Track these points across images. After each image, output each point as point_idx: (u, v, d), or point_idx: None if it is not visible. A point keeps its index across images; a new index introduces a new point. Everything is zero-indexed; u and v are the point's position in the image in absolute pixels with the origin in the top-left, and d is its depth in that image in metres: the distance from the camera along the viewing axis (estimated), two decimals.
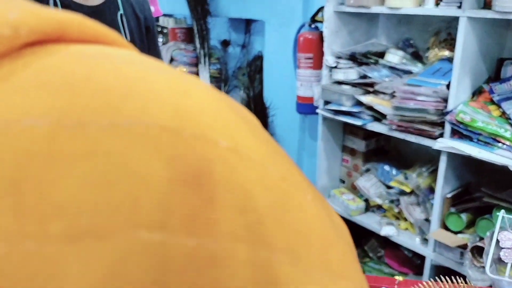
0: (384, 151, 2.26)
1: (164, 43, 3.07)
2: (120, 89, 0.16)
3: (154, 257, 0.14)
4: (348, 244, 0.22)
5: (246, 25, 3.02)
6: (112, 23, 1.33)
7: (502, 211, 1.45)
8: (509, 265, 1.33)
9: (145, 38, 1.44)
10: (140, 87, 0.16)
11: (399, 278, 1.37)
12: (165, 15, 3.00)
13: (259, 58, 2.95)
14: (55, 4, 1.23)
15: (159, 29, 3.12)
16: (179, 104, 0.17)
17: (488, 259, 1.36)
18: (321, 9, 2.22)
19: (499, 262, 1.38)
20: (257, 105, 2.88)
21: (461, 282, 1.40)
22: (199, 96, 0.18)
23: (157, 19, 3.08)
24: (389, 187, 2.06)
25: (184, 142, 0.16)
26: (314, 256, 0.18)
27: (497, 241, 1.38)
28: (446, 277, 1.41)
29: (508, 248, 1.36)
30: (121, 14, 1.35)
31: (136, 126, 0.15)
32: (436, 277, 1.37)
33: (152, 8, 2.25)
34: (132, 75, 0.17)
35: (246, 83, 2.99)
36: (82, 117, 0.15)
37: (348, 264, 0.20)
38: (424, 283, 1.37)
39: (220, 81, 3.04)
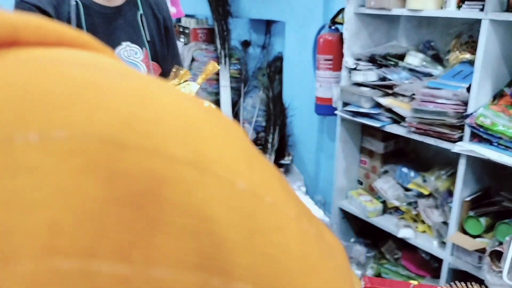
0: (403, 153, 2.25)
1: (185, 44, 3.11)
2: (62, 97, 0.14)
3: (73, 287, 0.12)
4: (340, 267, 0.20)
5: (267, 26, 3.04)
6: (132, 23, 1.36)
7: None
8: None
9: (164, 38, 1.47)
10: (88, 94, 0.15)
11: (414, 282, 1.37)
12: (187, 15, 3.04)
13: (279, 59, 2.96)
14: (77, 6, 1.26)
15: (181, 30, 3.16)
16: (132, 113, 0.15)
17: (506, 264, 1.35)
18: (341, 10, 2.22)
19: None
20: (276, 106, 2.89)
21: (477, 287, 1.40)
22: (162, 104, 0.16)
23: (179, 19, 3.12)
24: (407, 190, 2.05)
25: (130, 157, 0.14)
26: (289, 284, 0.15)
27: None
28: (462, 282, 1.41)
29: None
30: (141, 14, 1.38)
31: (72, 139, 0.13)
32: (453, 282, 1.37)
33: (174, 9, 2.29)
34: (83, 80, 0.15)
35: (265, 83, 3.01)
36: (9, 131, 0.13)
37: None
38: None
39: (240, 81, 3.07)
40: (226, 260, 0.14)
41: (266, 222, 0.16)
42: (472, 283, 1.39)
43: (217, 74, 2.96)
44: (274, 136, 2.86)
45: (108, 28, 1.31)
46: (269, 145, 2.86)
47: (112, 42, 1.32)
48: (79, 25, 1.25)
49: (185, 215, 0.14)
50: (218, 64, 2.95)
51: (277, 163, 2.89)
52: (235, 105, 3.07)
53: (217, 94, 2.96)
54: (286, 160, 2.92)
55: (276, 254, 0.15)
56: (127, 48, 1.35)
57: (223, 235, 0.14)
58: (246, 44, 3.15)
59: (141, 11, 1.38)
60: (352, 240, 2.38)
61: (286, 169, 2.97)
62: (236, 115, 3.08)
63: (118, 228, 0.13)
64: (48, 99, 0.14)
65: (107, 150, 0.14)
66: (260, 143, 2.95)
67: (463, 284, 1.39)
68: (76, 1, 1.24)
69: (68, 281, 0.12)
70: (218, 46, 2.96)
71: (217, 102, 2.95)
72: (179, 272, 0.13)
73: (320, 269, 0.17)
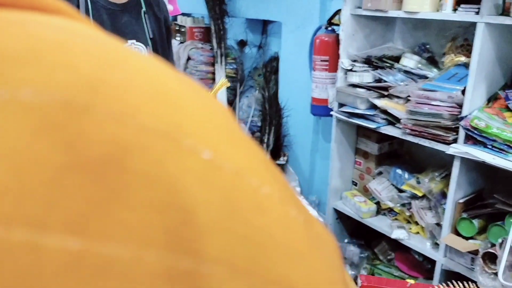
0: (397, 155, 2.26)
1: (181, 42, 3.11)
2: (22, 55, 0.13)
3: (12, 262, 0.11)
4: (331, 258, 0.18)
5: (263, 26, 3.05)
6: (137, 21, 1.38)
7: None
8: None
9: (165, 37, 1.49)
10: (53, 53, 0.14)
11: (410, 281, 1.38)
12: (183, 14, 3.04)
13: (275, 59, 2.97)
14: (85, 0, 1.27)
15: (177, 28, 3.15)
16: (101, 76, 0.14)
17: (501, 265, 1.37)
18: (338, 11, 2.23)
19: (511, 269, 1.38)
20: (272, 106, 2.90)
21: (473, 286, 1.41)
22: (135, 71, 0.15)
23: (175, 18, 3.12)
24: (401, 191, 2.07)
25: (92, 121, 0.13)
26: (270, 270, 0.14)
27: (510, 248, 1.38)
28: (458, 282, 1.42)
29: None
30: (144, 12, 1.39)
31: (27, 98, 0.12)
32: (446, 282, 1.38)
33: (171, 7, 2.29)
34: (48, 40, 0.14)
35: (261, 83, 3.01)
36: None
37: (320, 283, 0.16)
38: (436, 287, 1.38)
39: (236, 81, 3.07)
40: (198, 239, 0.13)
41: (247, 203, 0.15)
42: (469, 282, 1.40)
43: (213, 73, 2.97)
44: (270, 136, 2.86)
45: (114, 25, 1.32)
46: (265, 145, 2.87)
47: (118, 37, 1.33)
48: None
49: (152, 187, 0.13)
50: (214, 63, 2.96)
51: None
52: (230, 104, 3.07)
53: None
54: (281, 161, 2.92)
55: (256, 237, 0.14)
56: (133, 46, 1.37)
57: (196, 211, 0.13)
58: (242, 43, 3.15)
59: (144, 9, 1.40)
60: (346, 240, 2.39)
61: (281, 169, 2.97)
62: None
63: (73, 197, 0.12)
64: (6, 56, 0.13)
65: (67, 112, 0.13)
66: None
67: (460, 284, 1.40)
68: None
69: (8, 253, 0.11)
70: (214, 45, 2.96)
71: None
72: (141, 250, 0.12)
73: (307, 258, 0.16)
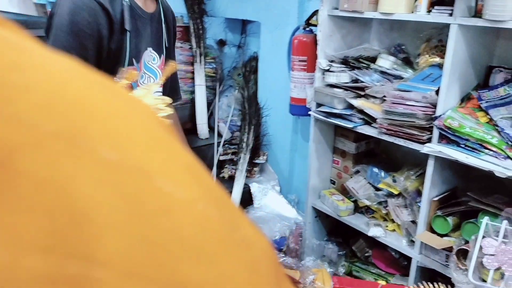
0: (374, 154, 2.29)
1: None
2: None
3: None
4: (255, 262, 0.18)
5: (242, 26, 3.05)
6: (158, 30, 1.44)
7: (486, 217, 1.48)
8: (491, 272, 1.36)
9: (172, 44, 1.56)
10: None
11: (382, 282, 1.40)
12: None
13: (254, 58, 2.97)
14: (128, 8, 1.30)
15: None
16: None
17: (471, 264, 1.39)
18: (315, 12, 2.24)
19: (482, 266, 1.41)
20: (251, 105, 2.90)
21: (443, 287, 1.44)
22: (39, 73, 0.15)
23: None
24: (377, 189, 2.09)
25: None
26: (172, 274, 0.14)
27: (481, 247, 1.41)
28: (429, 282, 1.45)
29: (491, 255, 1.38)
30: (163, 22, 1.47)
31: None
32: (421, 279, 1.40)
33: None
34: None
35: (241, 83, 3.01)
36: None
37: (235, 285, 0.16)
38: None
39: (215, 80, 3.07)
40: (90, 242, 0.13)
41: (154, 205, 0.14)
42: (438, 283, 1.43)
43: (192, 72, 2.96)
44: (249, 136, 2.87)
45: (144, 33, 1.38)
46: (244, 145, 2.87)
47: (145, 45, 1.39)
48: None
49: (41, 189, 0.12)
50: (193, 63, 2.95)
51: (252, 162, 2.90)
52: (210, 104, 3.06)
53: (192, 92, 2.95)
54: (260, 160, 2.93)
55: (161, 240, 0.14)
56: (149, 54, 1.42)
57: (87, 215, 0.13)
58: (221, 43, 3.15)
59: (163, 19, 1.46)
60: (325, 238, 2.41)
61: (261, 169, 2.98)
62: (211, 114, 3.07)
63: None
64: None
65: None
66: (235, 142, 2.96)
67: (430, 284, 1.43)
68: (127, 1, 1.29)
69: None
70: (194, 44, 2.95)
71: (192, 101, 2.94)
72: (21, 254, 0.12)
73: (220, 260, 0.15)
